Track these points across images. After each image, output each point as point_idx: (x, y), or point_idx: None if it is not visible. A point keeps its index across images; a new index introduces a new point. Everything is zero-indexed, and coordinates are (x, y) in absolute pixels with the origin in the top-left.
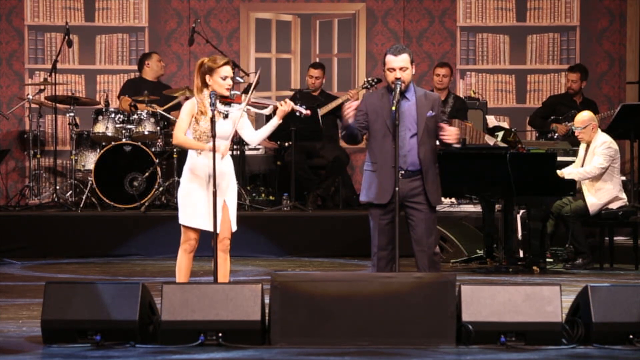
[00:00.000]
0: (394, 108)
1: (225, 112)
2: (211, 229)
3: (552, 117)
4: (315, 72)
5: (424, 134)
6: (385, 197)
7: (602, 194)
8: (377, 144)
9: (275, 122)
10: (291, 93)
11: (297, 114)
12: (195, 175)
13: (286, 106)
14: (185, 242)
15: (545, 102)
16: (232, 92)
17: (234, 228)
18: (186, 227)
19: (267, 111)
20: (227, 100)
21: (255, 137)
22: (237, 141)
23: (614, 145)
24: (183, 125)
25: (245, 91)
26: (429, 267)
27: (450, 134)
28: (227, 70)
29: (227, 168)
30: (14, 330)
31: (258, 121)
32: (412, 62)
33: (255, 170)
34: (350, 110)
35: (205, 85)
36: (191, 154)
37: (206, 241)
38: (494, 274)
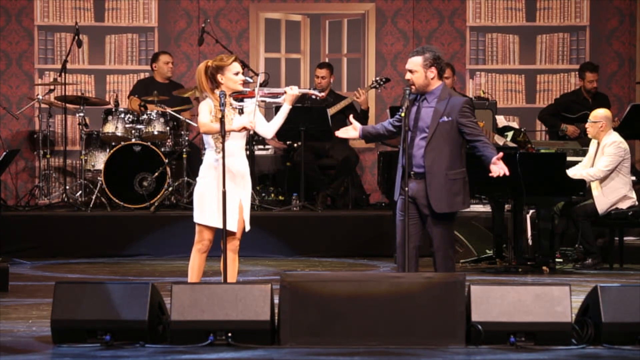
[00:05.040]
0: (402, 115)
1: (240, 107)
2: (227, 227)
3: (562, 114)
4: (321, 72)
5: (434, 139)
6: (396, 193)
7: (611, 193)
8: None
9: (286, 108)
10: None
11: (313, 97)
12: (212, 174)
13: (295, 90)
14: (199, 242)
15: (558, 99)
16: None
17: (247, 228)
18: (201, 227)
19: (282, 99)
20: (240, 96)
21: (270, 129)
22: (247, 141)
23: (624, 144)
24: (207, 118)
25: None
26: (440, 268)
27: (496, 170)
28: (237, 66)
29: (244, 167)
30: (24, 330)
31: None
32: (429, 65)
33: (265, 171)
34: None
35: (217, 85)
36: (209, 153)
37: (216, 241)
38: (504, 274)
